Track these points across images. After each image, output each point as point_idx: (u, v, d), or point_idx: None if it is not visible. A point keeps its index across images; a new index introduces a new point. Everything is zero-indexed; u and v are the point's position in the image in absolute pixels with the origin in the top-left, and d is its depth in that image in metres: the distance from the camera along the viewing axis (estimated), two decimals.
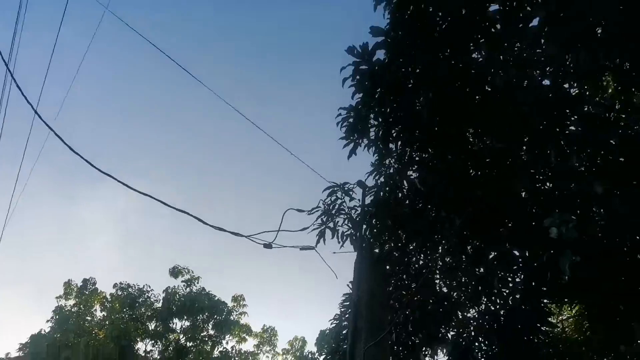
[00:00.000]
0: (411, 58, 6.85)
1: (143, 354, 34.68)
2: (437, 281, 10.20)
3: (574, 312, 13.03)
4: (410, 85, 6.98)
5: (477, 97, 6.74)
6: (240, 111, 8.64)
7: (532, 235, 5.98)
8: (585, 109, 7.68)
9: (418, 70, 6.82)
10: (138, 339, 34.98)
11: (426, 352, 9.14)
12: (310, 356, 31.93)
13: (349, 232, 9.43)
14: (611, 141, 6.24)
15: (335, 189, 9.43)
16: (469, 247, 7.99)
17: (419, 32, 6.81)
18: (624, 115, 7.59)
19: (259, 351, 39.32)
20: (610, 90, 8.49)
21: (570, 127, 6.19)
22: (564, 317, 14.05)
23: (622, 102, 8.12)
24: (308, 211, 9.27)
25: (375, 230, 9.25)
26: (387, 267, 9.06)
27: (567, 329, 13.80)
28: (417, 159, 8.83)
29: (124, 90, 62.35)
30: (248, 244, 7.11)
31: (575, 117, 6.64)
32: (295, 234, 7.92)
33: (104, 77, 57.35)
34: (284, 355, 39.52)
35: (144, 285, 37.76)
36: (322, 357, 18.77)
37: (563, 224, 4.73)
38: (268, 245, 6.62)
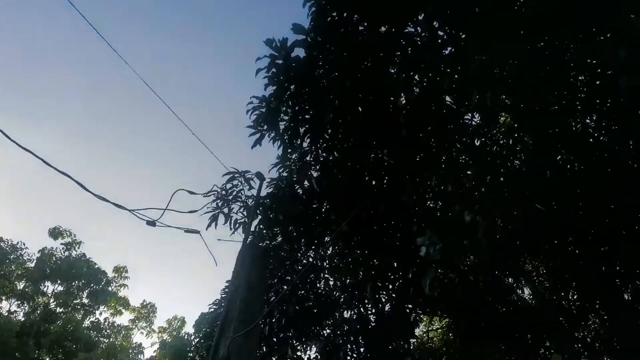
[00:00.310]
0: (328, 62, 6.94)
1: (6, 314, 32.01)
2: (322, 280, 10.49)
3: (442, 324, 14.01)
4: (324, 88, 7.08)
5: (384, 110, 6.99)
6: (145, 81, 8.20)
7: (408, 250, 6.34)
8: (483, 139, 8.29)
9: (334, 75, 6.92)
10: (3, 297, 32.23)
11: (298, 347, 9.35)
12: (186, 337, 31.33)
13: (242, 220, 9.37)
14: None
15: (236, 175, 9.32)
16: (355, 251, 8.30)
17: (340, 38, 6.92)
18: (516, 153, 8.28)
19: (133, 326, 37.91)
20: (505, 127, 9.22)
21: (460, 156, 6.63)
22: (433, 328, 15.07)
23: (516, 140, 8.84)
24: (204, 194, 9.09)
25: (268, 223, 9.29)
26: (273, 260, 9.14)
27: (434, 339, 14.84)
28: (321, 159, 9.00)
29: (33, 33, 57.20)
30: (139, 218, 6.78)
31: (468, 145, 7.14)
32: (186, 215, 7.71)
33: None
34: (160, 334, 38.42)
35: (18, 242, 34.91)
36: (197, 339, 18.58)
37: (431, 245, 5.07)
38: (151, 223, 6.38)
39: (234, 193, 9.44)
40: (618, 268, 10.38)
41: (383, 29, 7.05)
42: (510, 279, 11.67)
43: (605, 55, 4.67)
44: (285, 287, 8.40)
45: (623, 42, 3.91)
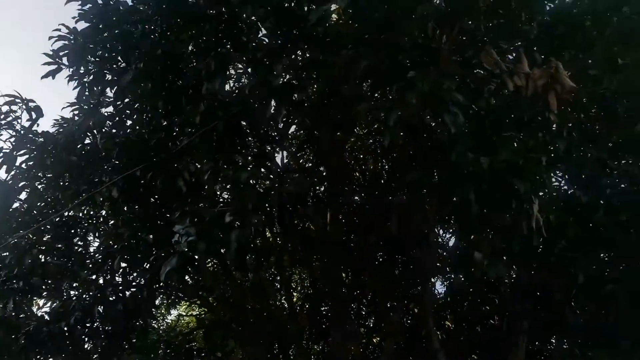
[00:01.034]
0: (152, 21, 6.58)
1: None
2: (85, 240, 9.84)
3: (201, 312, 14.13)
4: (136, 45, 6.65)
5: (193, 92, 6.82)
6: None
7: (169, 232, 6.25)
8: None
9: (151, 38, 6.57)
10: None
11: (26, 303, 8.57)
12: None
13: (7, 152, 8.35)
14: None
15: (17, 100, 8.25)
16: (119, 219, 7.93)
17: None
18: None
19: None
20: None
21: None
22: (194, 314, 15.16)
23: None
24: None
25: (39, 163, 8.41)
26: (28, 205, 8.32)
27: (190, 324, 15.03)
28: (123, 117, 8.48)
29: None
30: None
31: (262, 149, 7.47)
32: None
33: None
34: None
35: None
36: None
37: (185, 235, 5.14)
38: None
39: (9, 119, 8.40)
40: (370, 297, 11.66)
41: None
42: (278, 285, 12.35)
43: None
44: (30, 235, 7.62)
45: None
